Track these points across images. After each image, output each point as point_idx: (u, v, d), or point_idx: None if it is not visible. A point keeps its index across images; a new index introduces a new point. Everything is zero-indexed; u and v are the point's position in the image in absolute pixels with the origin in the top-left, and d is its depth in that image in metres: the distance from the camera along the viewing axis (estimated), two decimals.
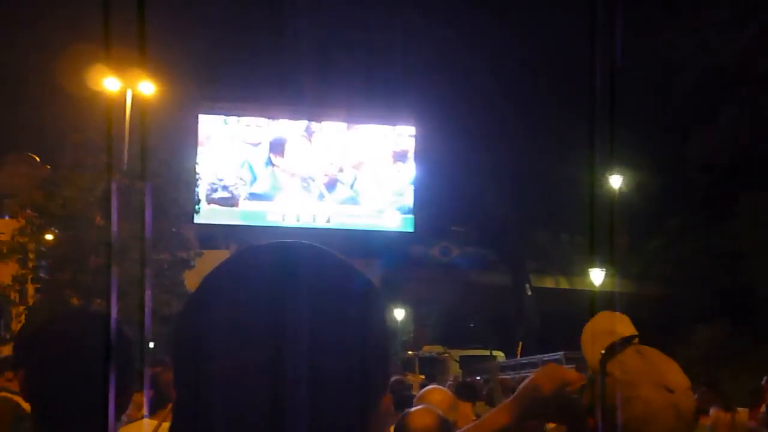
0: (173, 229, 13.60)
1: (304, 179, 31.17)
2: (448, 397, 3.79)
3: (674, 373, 1.57)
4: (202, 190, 24.23)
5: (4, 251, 11.39)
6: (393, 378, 10.55)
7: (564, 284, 31.21)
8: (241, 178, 30.75)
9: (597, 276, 21.48)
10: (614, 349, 1.56)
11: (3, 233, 11.93)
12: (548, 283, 31.88)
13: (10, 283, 11.27)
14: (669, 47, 25.20)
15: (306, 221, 30.80)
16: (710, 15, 24.54)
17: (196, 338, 0.78)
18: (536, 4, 28.44)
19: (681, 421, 1.53)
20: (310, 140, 31.32)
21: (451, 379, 15.86)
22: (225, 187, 30.53)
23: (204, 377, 0.76)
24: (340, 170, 31.42)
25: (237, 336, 0.75)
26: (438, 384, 10.42)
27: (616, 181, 21.00)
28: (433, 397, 3.67)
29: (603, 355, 1.55)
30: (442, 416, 3.01)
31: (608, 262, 21.35)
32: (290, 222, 30.65)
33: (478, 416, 6.55)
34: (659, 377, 1.55)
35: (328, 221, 31.01)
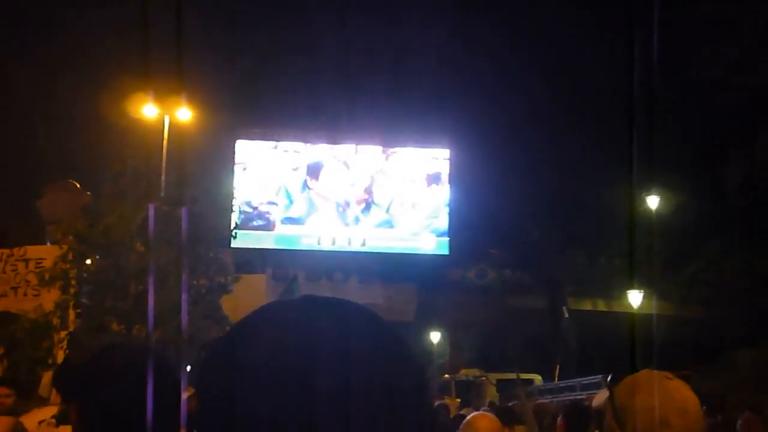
0: (211, 255, 13.74)
1: (339, 203, 31.30)
2: (497, 425, 3.74)
3: None
4: (238, 215, 24.43)
5: (47, 278, 11.58)
6: (436, 403, 10.50)
7: (602, 307, 30.83)
8: (276, 203, 30.97)
9: (635, 298, 21.20)
10: None
11: (45, 259, 12.14)
12: (586, 305, 31.51)
13: (53, 309, 11.44)
14: (708, 67, 24.97)
15: (341, 245, 30.88)
16: (750, 33, 24.29)
17: (224, 389, 0.78)
18: (571, 27, 28.40)
19: None
20: (345, 164, 31.48)
21: (487, 403, 15.67)
22: (261, 213, 30.75)
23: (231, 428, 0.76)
24: (376, 194, 31.49)
25: (266, 392, 0.76)
26: (474, 408, 10.33)
27: (654, 203, 20.76)
28: (481, 424, 3.63)
29: None
30: None
31: (647, 284, 21.07)
32: (326, 245, 30.77)
33: None
34: None
35: (363, 244, 31.06)
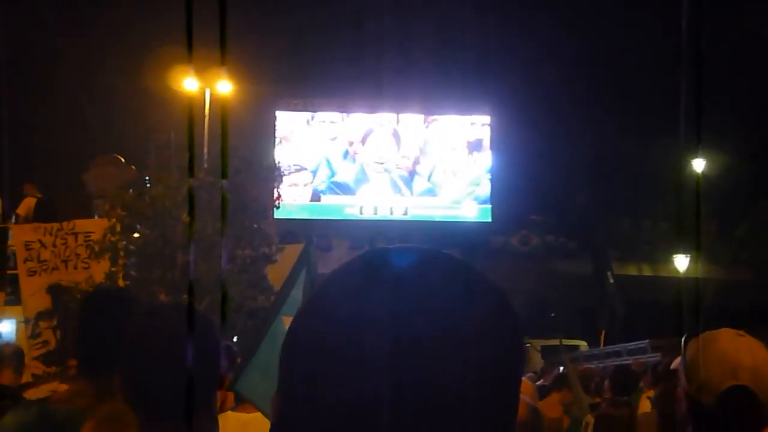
0: (255, 225, 13.86)
1: (381, 172, 31.30)
2: (530, 387, 3.79)
3: None
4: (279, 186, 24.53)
5: (97, 250, 11.79)
6: None
7: (648, 271, 30.53)
8: (316, 174, 31.08)
9: (682, 263, 20.91)
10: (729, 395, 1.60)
11: (94, 232, 12.34)
12: (631, 270, 31.22)
13: (103, 281, 11.64)
14: (758, 24, 24.30)
15: (383, 213, 30.94)
16: None
17: (311, 344, 0.76)
18: None
19: None
20: (387, 133, 31.42)
21: (537, 369, 15.66)
22: (302, 184, 30.90)
23: (315, 387, 0.74)
24: (418, 162, 31.43)
25: (354, 348, 0.73)
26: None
27: (701, 164, 20.35)
28: None
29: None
30: (533, 405, 3.02)
31: (694, 247, 20.75)
32: (368, 214, 30.86)
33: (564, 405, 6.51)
34: None
35: (405, 213, 31.08)
